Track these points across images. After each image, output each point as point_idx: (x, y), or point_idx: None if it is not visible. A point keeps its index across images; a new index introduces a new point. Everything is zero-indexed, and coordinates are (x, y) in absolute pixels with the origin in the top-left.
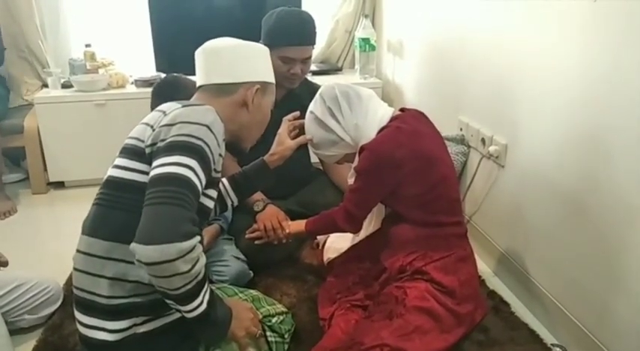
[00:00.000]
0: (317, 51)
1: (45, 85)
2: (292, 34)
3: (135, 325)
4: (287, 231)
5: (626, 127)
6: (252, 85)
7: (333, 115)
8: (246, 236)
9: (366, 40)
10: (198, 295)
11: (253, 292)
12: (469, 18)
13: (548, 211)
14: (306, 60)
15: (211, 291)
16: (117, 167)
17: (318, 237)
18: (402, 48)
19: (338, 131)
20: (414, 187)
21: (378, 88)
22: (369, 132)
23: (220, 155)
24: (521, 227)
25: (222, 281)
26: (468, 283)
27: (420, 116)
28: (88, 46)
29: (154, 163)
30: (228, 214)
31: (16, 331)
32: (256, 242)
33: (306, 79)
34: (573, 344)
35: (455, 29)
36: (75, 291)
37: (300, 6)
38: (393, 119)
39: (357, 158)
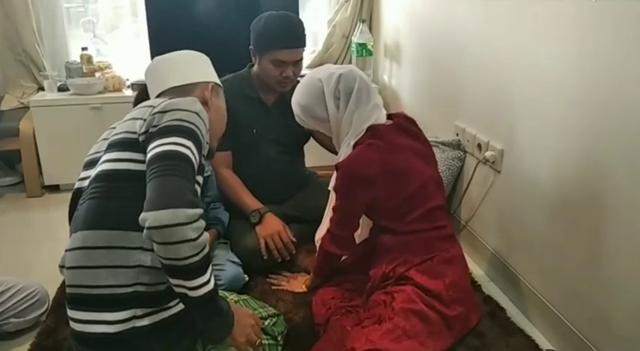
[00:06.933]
0: (314, 55)
1: (41, 89)
2: (283, 37)
3: (135, 317)
4: (290, 239)
5: (623, 133)
6: (207, 84)
7: (336, 99)
8: (273, 287)
9: (363, 45)
10: (205, 271)
11: (243, 296)
12: (466, 23)
13: (544, 216)
14: (298, 62)
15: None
16: (107, 161)
17: (315, 241)
18: (399, 53)
19: (330, 113)
20: (388, 201)
21: None
22: (348, 131)
23: (207, 143)
24: (517, 233)
25: (218, 285)
26: (455, 286)
27: (401, 126)
28: (84, 49)
29: (151, 146)
30: (225, 218)
31: (4, 336)
32: (273, 287)
33: (297, 82)
34: (568, 349)
35: (452, 35)
36: (69, 290)
37: (297, 10)
38: (368, 131)
39: (333, 177)
